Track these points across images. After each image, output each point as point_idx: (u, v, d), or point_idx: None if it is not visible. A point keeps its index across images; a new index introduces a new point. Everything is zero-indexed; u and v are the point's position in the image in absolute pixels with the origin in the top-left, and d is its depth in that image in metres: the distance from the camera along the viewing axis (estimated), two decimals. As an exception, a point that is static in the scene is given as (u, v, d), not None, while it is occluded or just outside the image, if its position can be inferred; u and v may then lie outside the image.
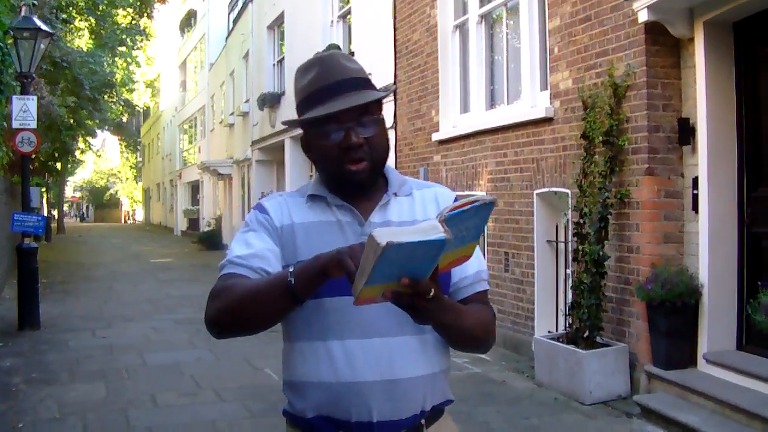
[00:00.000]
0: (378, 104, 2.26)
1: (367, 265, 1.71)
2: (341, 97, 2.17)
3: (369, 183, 2.25)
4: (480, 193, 1.91)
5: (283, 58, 22.46)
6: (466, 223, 1.78)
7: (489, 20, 10.99)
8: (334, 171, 2.22)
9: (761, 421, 5.79)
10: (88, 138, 39.24)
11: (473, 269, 2.26)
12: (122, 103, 42.17)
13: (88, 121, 31.39)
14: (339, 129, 2.17)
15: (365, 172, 2.21)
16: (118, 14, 28.07)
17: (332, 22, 17.91)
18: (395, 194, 2.30)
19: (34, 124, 12.11)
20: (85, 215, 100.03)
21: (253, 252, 2.19)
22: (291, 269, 1.98)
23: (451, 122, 11.39)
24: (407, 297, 1.83)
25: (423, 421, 2.22)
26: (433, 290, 1.85)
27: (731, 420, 6.10)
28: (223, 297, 2.11)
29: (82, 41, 28.95)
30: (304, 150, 2.34)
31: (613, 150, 7.49)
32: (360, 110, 2.18)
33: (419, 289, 1.81)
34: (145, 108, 61.87)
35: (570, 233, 7.96)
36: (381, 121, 2.26)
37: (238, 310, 2.08)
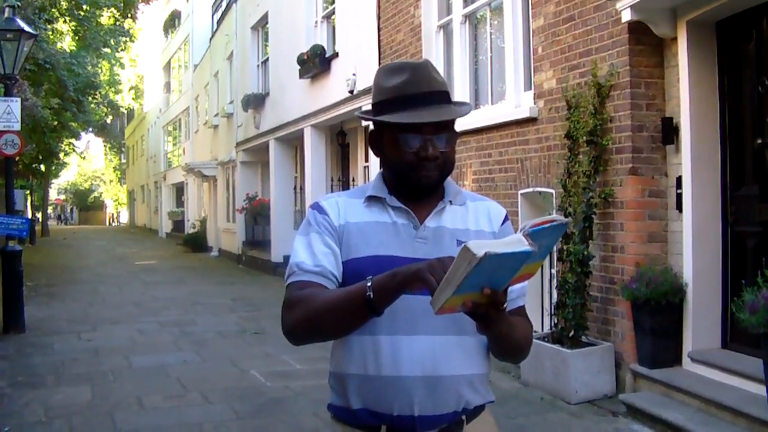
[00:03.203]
0: (454, 120, 2.33)
1: (457, 275, 1.79)
2: (428, 108, 2.25)
3: (433, 189, 2.34)
4: (556, 215, 1.99)
5: (267, 59, 22.41)
6: (541, 241, 1.86)
7: (473, 20, 11.02)
8: (405, 174, 2.30)
9: (746, 419, 5.82)
10: (72, 140, 39.06)
11: (519, 285, 2.32)
12: (106, 105, 42.03)
13: (72, 123, 31.26)
14: (418, 137, 2.25)
15: (433, 179, 2.30)
16: (101, 15, 27.94)
17: (316, 22, 17.89)
18: (450, 202, 2.38)
19: (17, 126, 12.07)
20: (69, 218, 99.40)
21: (318, 256, 2.28)
22: (369, 284, 2.04)
23: (435, 123, 11.37)
24: (484, 307, 1.91)
25: (463, 418, 2.30)
26: (505, 302, 1.96)
27: (716, 418, 6.13)
28: (301, 308, 2.20)
29: (66, 43, 28.82)
30: (371, 145, 2.41)
31: (597, 150, 7.51)
32: (440, 124, 2.26)
33: (497, 299, 1.90)
34: (129, 110, 61.66)
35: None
36: (455, 137, 2.34)
37: (316, 322, 2.17)
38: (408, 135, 2.24)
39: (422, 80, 2.28)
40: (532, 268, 1.97)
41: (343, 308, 2.11)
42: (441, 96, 2.28)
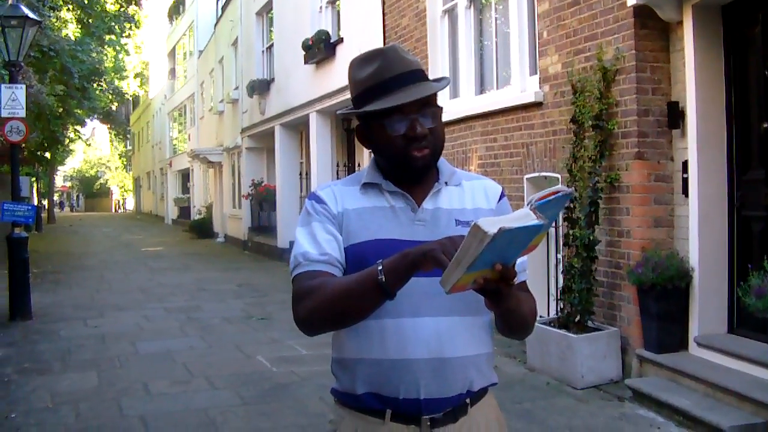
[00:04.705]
0: (435, 95, 2.32)
1: (468, 254, 1.80)
2: (405, 88, 2.24)
3: (428, 169, 2.32)
4: (560, 186, 2.00)
5: (272, 45, 22.39)
6: (547, 213, 1.87)
7: (478, 5, 10.98)
8: (398, 158, 2.28)
9: (752, 403, 5.82)
10: (77, 127, 39.06)
11: (520, 259, 2.31)
12: (111, 92, 42.02)
13: (77, 110, 31.25)
14: (404, 120, 2.24)
15: (428, 158, 2.28)
16: (106, 2, 27.91)
17: (321, 8, 17.85)
18: (446, 183, 2.37)
19: (22, 113, 12.07)
20: (75, 205, 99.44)
21: (323, 244, 2.26)
22: (380, 267, 2.03)
23: (440, 108, 11.37)
24: (494, 282, 1.91)
25: (468, 400, 2.29)
26: (516, 276, 1.96)
27: (722, 402, 6.13)
28: (313, 298, 2.17)
29: (70, 30, 28.78)
30: (361, 138, 2.39)
31: (603, 134, 7.49)
32: (422, 101, 2.25)
33: (508, 274, 1.90)
34: (134, 96, 61.65)
35: (560, 218, 7.95)
36: (440, 112, 2.32)
37: (330, 310, 2.15)
38: (393, 119, 2.23)
39: (395, 63, 2.27)
40: (537, 240, 1.98)
41: (355, 294, 2.10)
42: (417, 74, 2.28)
